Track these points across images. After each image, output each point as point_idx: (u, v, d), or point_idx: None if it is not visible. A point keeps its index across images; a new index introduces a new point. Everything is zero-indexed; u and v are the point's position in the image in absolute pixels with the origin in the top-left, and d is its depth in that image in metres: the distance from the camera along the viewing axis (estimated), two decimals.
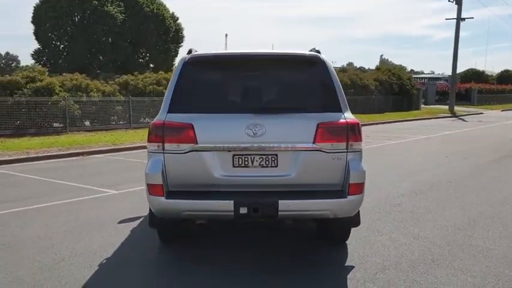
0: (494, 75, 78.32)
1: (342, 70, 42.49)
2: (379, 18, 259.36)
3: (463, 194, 8.23)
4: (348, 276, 4.60)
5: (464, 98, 55.74)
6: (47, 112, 19.20)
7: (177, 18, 55.08)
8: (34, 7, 47.89)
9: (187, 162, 4.53)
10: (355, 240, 5.60)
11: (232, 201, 4.40)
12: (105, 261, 5.07)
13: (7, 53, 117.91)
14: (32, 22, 48.56)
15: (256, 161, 4.56)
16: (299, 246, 5.52)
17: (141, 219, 6.48)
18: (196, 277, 4.64)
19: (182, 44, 55.69)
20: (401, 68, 54.38)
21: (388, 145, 16.58)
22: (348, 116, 4.65)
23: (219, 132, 4.57)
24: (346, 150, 4.54)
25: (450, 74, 44.58)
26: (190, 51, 5.03)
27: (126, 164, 12.11)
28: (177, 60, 5.87)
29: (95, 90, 21.34)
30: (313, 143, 4.51)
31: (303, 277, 4.60)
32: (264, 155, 4.55)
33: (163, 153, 4.54)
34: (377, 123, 27.23)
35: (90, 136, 17.86)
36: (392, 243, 5.57)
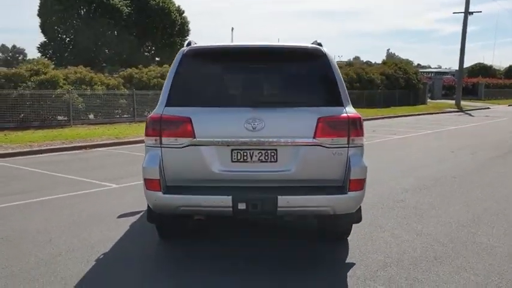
0: (502, 69, 77.73)
1: (348, 64, 42.29)
2: (387, 12, 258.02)
3: (467, 190, 8.12)
4: (348, 274, 4.52)
5: (471, 92, 55.38)
6: (50, 105, 19.17)
7: (183, 12, 54.91)
8: (40, 0, 47.85)
9: (185, 156, 4.45)
10: (356, 236, 5.51)
11: (230, 197, 4.33)
12: (102, 256, 5.01)
13: (14, 46, 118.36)
14: (38, 15, 48.58)
15: (256, 155, 4.48)
16: (299, 243, 5.44)
17: (141, 214, 6.42)
18: (194, 272, 4.57)
19: (188, 37, 55.55)
20: (408, 62, 54.02)
21: (393, 140, 16.44)
22: (350, 111, 4.55)
23: (218, 126, 4.49)
24: (347, 146, 4.45)
25: (457, 68, 44.21)
26: (189, 44, 4.94)
27: (129, 157, 12.08)
28: None
29: (99, 83, 21.28)
30: (314, 137, 4.42)
31: (303, 274, 4.52)
32: (263, 149, 4.47)
33: (161, 147, 4.47)
34: (383, 118, 27.04)
35: (93, 129, 17.83)
36: (394, 240, 5.48)
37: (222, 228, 5.94)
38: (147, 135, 4.55)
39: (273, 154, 4.48)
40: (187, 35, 55.61)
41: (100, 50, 49.57)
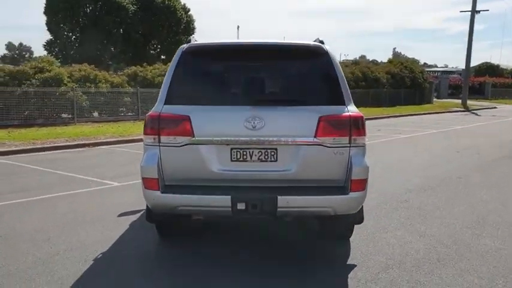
0: (509, 69, 77.03)
1: (354, 63, 42.11)
2: (394, 10, 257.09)
3: (473, 191, 8.01)
4: (349, 276, 4.44)
5: (478, 92, 55.00)
6: (55, 103, 19.16)
7: (189, 10, 54.89)
8: None
9: (184, 155, 4.38)
10: (358, 237, 5.43)
11: (229, 197, 4.25)
12: (101, 255, 4.96)
13: (20, 44, 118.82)
14: (45, 13, 48.69)
15: (255, 155, 4.40)
16: (299, 243, 5.37)
17: (141, 213, 6.36)
18: (195, 272, 4.51)
19: (193, 35, 55.51)
20: (414, 61, 53.67)
21: (398, 139, 16.31)
22: (352, 109, 4.46)
23: (217, 124, 4.41)
24: (348, 145, 4.36)
25: (464, 67, 43.93)
26: (189, 41, 4.87)
27: (132, 155, 12.01)
28: None
29: (104, 81, 21.27)
30: (315, 137, 4.33)
31: (302, 275, 4.45)
32: (263, 149, 4.39)
33: (159, 146, 4.40)
34: (388, 117, 26.86)
35: (97, 127, 17.81)
36: (397, 241, 5.39)
37: (222, 228, 5.88)
38: (145, 133, 4.49)
39: (273, 153, 4.40)
40: (193, 33, 55.59)
41: (106, 48, 49.61)
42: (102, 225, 5.97)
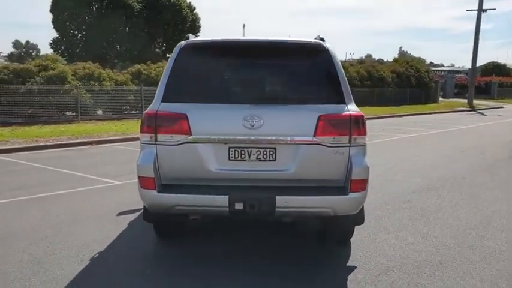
0: None
1: (359, 62, 41.94)
2: (400, 9, 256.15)
3: (477, 191, 7.89)
4: (349, 278, 4.36)
5: (484, 91, 54.64)
6: (58, 101, 19.14)
7: (194, 8, 54.88)
8: None
9: (181, 154, 4.31)
10: (359, 238, 5.35)
11: (227, 197, 4.18)
12: (97, 255, 4.90)
13: (27, 42, 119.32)
14: (51, 11, 48.81)
15: (254, 154, 4.32)
16: (299, 244, 5.29)
17: (140, 212, 6.26)
18: (194, 272, 4.44)
19: (199, 34, 55.45)
20: (420, 60, 53.39)
21: (402, 139, 16.17)
22: (352, 108, 4.37)
23: (215, 123, 4.33)
24: (348, 145, 4.28)
25: (470, 66, 43.64)
26: (188, 38, 4.79)
27: (134, 154, 11.83)
28: None
29: (108, 79, 21.25)
30: (314, 136, 4.25)
31: (301, 277, 4.37)
32: (262, 148, 4.31)
33: (156, 144, 4.33)
34: (393, 116, 26.69)
35: (101, 125, 17.78)
36: (398, 243, 5.30)
37: (221, 228, 5.80)
38: (142, 131, 4.43)
39: (271, 153, 4.32)
40: (199, 32, 55.56)
41: (111, 46, 49.70)
42: (101, 224, 5.91)
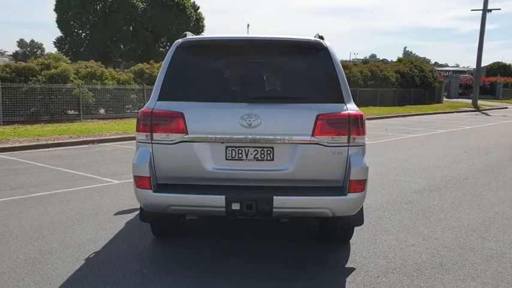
0: None
1: (363, 62, 41.78)
2: (405, 9, 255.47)
3: (479, 193, 7.80)
4: (347, 280, 4.28)
5: (489, 92, 54.40)
6: (61, 99, 19.10)
7: (198, 8, 54.98)
8: None
9: (177, 153, 4.25)
10: (359, 239, 5.27)
11: (224, 197, 4.12)
12: (93, 255, 4.84)
13: (32, 41, 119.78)
14: (55, 10, 48.93)
15: (251, 153, 4.26)
16: (298, 245, 5.20)
17: (138, 211, 6.22)
18: (192, 273, 4.38)
19: (203, 33, 55.50)
20: (424, 60, 53.19)
21: (406, 139, 16.05)
22: (351, 108, 4.30)
23: (211, 122, 4.27)
24: (347, 144, 4.21)
25: (475, 67, 43.42)
26: (185, 35, 4.72)
27: (134, 153, 11.89)
28: None
29: (110, 78, 21.22)
30: (312, 135, 4.18)
31: (299, 279, 4.30)
32: (259, 147, 4.24)
33: (152, 143, 4.27)
34: (396, 116, 26.55)
35: (103, 124, 17.75)
36: (399, 244, 5.22)
37: (219, 228, 5.74)
38: (137, 130, 4.37)
39: (269, 152, 4.25)
40: (202, 31, 55.63)
41: (115, 45, 49.77)
42: (98, 223, 5.86)
